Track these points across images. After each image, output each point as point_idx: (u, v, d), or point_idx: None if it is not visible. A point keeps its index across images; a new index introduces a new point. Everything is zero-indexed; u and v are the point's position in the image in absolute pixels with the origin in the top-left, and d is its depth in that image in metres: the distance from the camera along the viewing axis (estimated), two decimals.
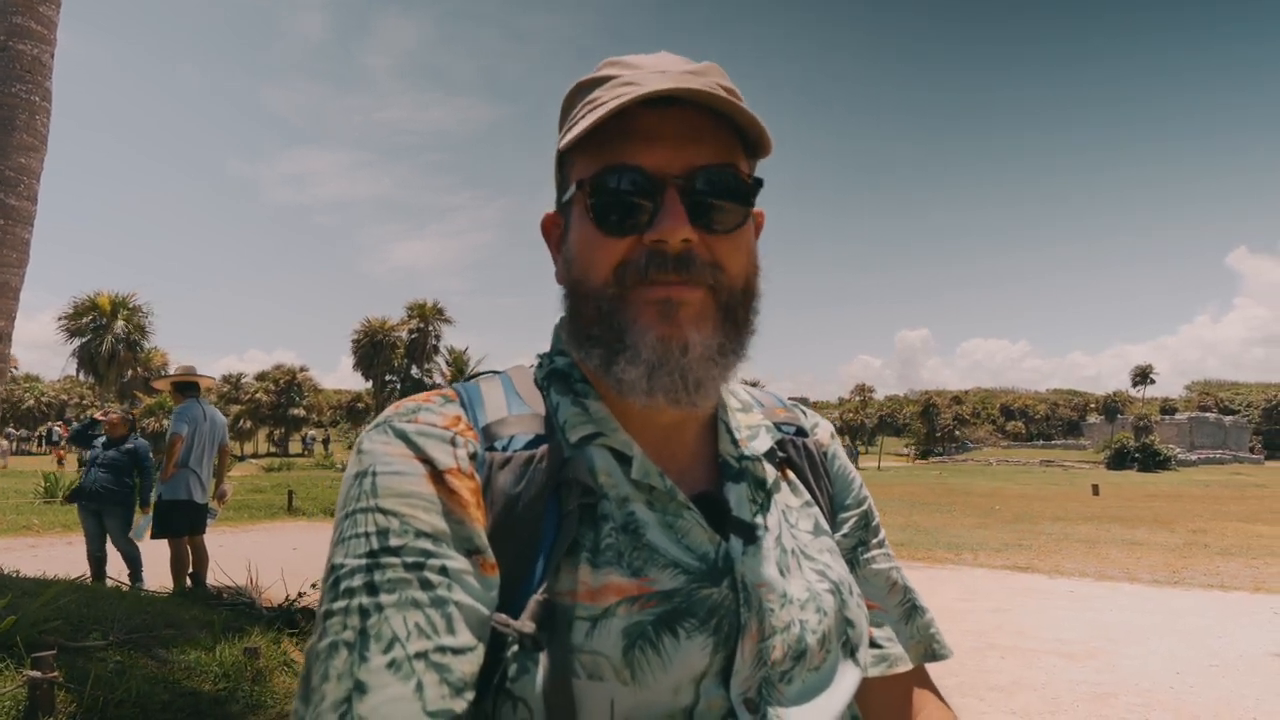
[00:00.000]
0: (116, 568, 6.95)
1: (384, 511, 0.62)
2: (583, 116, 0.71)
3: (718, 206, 0.71)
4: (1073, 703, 4.26)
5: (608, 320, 0.70)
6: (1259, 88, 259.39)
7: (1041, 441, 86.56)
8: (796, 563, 0.74)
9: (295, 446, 56.73)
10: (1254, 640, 5.53)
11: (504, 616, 0.62)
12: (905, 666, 0.84)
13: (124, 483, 6.92)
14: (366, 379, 48.75)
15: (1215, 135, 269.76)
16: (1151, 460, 47.25)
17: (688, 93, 0.68)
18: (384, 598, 0.59)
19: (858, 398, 76.69)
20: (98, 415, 7.30)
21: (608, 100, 0.69)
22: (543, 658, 0.60)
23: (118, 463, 6.90)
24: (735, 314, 0.72)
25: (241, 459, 40.64)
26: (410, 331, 48.21)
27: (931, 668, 0.89)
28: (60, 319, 35.72)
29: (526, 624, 0.61)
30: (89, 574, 6.73)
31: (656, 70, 0.72)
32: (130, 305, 36.24)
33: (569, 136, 0.70)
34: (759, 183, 0.74)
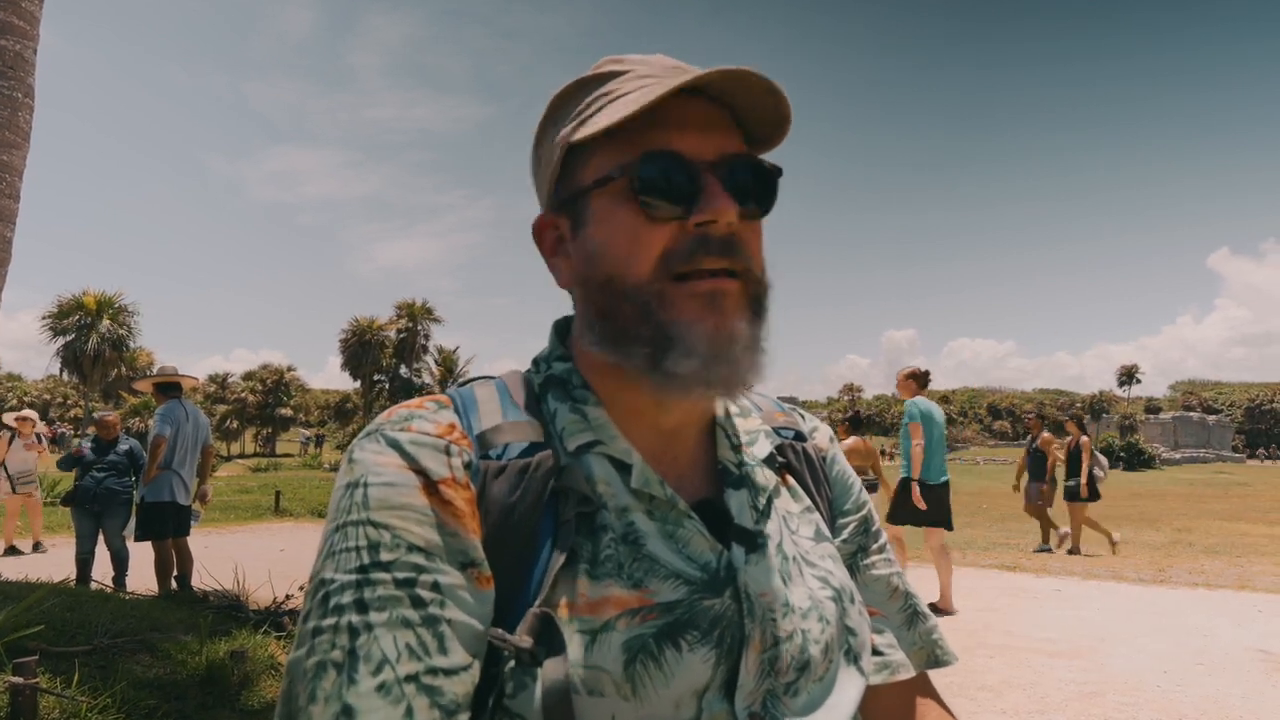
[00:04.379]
0: (100, 571, 6.90)
1: (375, 525, 0.60)
2: (601, 108, 0.69)
3: (751, 193, 0.70)
4: (1061, 701, 4.28)
5: (652, 317, 0.67)
6: (1242, 89, 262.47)
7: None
8: (798, 570, 0.73)
9: (291, 447, 56.24)
10: (1239, 638, 5.57)
11: (500, 631, 0.60)
12: (907, 673, 0.82)
13: (125, 483, 7.05)
14: (355, 379, 48.52)
15: (1198, 137, 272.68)
16: (1136, 459, 47.81)
17: (740, 75, 0.66)
18: (374, 616, 0.57)
19: (846, 397, 76.95)
20: (91, 425, 7.33)
21: (629, 91, 0.67)
22: (540, 673, 0.58)
23: (119, 464, 7.04)
24: (761, 304, 0.71)
25: (228, 459, 40.35)
26: (399, 331, 48.00)
27: None
28: (44, 318, 35.41)
29: (523, 638, 0.59)
30: (75, 576, 6.70)
31: (670, 65, 0.71)
32: (116, 304, 35.94)
33: (599, 124, 0.67)
34: (779, 170, 0.73)
